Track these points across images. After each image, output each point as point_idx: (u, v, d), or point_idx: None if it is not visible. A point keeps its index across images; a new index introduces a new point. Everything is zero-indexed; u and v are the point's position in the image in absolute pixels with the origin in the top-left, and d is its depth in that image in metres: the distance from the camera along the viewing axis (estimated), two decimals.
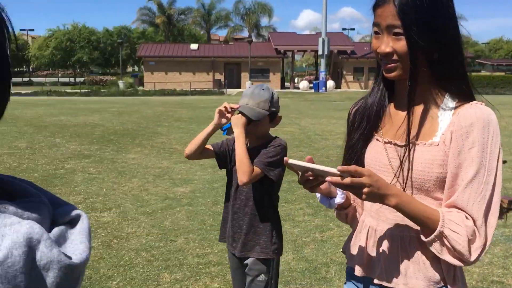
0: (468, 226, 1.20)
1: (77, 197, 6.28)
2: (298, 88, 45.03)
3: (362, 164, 1.40)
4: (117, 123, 15.38)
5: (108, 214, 5.55)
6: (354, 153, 1.45)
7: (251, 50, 42.67)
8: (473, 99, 1.28)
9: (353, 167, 1.18)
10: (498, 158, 1.22)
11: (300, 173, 1.27)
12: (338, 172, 1.18)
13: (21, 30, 69.68)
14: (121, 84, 41.55)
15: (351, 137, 1.47)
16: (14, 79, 52.14)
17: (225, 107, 2.25)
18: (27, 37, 67.84)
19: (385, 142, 1.36)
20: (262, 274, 2.32)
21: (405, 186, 1.31)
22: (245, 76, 44.71)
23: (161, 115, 18.59)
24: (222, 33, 75.07)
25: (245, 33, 62.73)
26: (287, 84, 48.64)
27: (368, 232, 1.41)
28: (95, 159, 8.96)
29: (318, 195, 1.45)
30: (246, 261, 2.36)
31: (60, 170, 8.01)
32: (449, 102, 1.29)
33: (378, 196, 1.20)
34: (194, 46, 46.59)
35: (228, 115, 2.26)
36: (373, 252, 1.39)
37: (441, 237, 1.21)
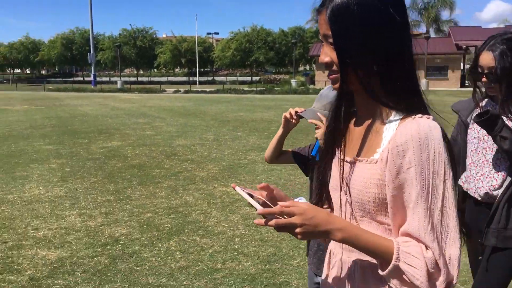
0: (428, 258, 1.06)
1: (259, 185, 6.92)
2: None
3: (327, 183, 1.32)
4: None
5: None
6: (319, 170, 1.35)
7: (428, 46, 40.49)
8: (422, 112, 1.12)
9: (278, 208, 1.07)
10: (445, 179, 1.07)
11: None
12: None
13: (207, 33, 77.37)
14: (293, 82, 43.32)
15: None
16: (200, 78, 58.14)
17: (290, 113, 2.15)
18: (213, 40, 74.87)
19: (342, 160, 1.25)
20: None
21: (346, 207, 1.22)
22: (420, 74, 42.66)
23: None
24: None
25: (423, 29, 59.59)
26: (468, 82, 44.89)
27: (330, 257, 1.33)
28: None
29: None
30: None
31: (243, 160, 8.88)
32: (396, 116, 1.14)
33: (318, 233, 1.09)
34: None
35: (293, 120, 2.15)
36: (330, 278, 1.31)
37: (397, 271, 1.07)
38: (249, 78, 63.63)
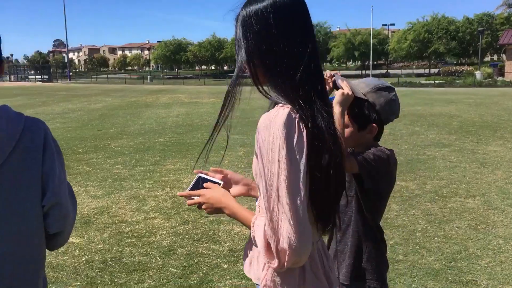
0: (266, 230, 1.19)
1: (440, 181, 6.68)
2: None
3: None
4: (475, 115, 14.99)
5: (472, 200, 5.73)
6: None
7: None
8: (287, 104, 1.24)
9: (187, 192, 1.45)
10: (279, 160, 1.17)
11: None
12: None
13: (383, 25, 75.09)
14: (478, 74, 39.56)
15: None
16: (373, 71, 56.98)
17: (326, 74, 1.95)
18: (388, 32, 72.53)
19: None
20: None
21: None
22: None
23: None
24: None
25: None
26: None
27: None
28: (454, 148, 9.16)
29: None
30: None
31: (422, 156, 8.59)
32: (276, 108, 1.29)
33: (215, 210, 1.41)
34: None
35: (330, 83, 1.96)
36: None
37: (255, 241, 1.25)
38: (425, 71, 60.08)
